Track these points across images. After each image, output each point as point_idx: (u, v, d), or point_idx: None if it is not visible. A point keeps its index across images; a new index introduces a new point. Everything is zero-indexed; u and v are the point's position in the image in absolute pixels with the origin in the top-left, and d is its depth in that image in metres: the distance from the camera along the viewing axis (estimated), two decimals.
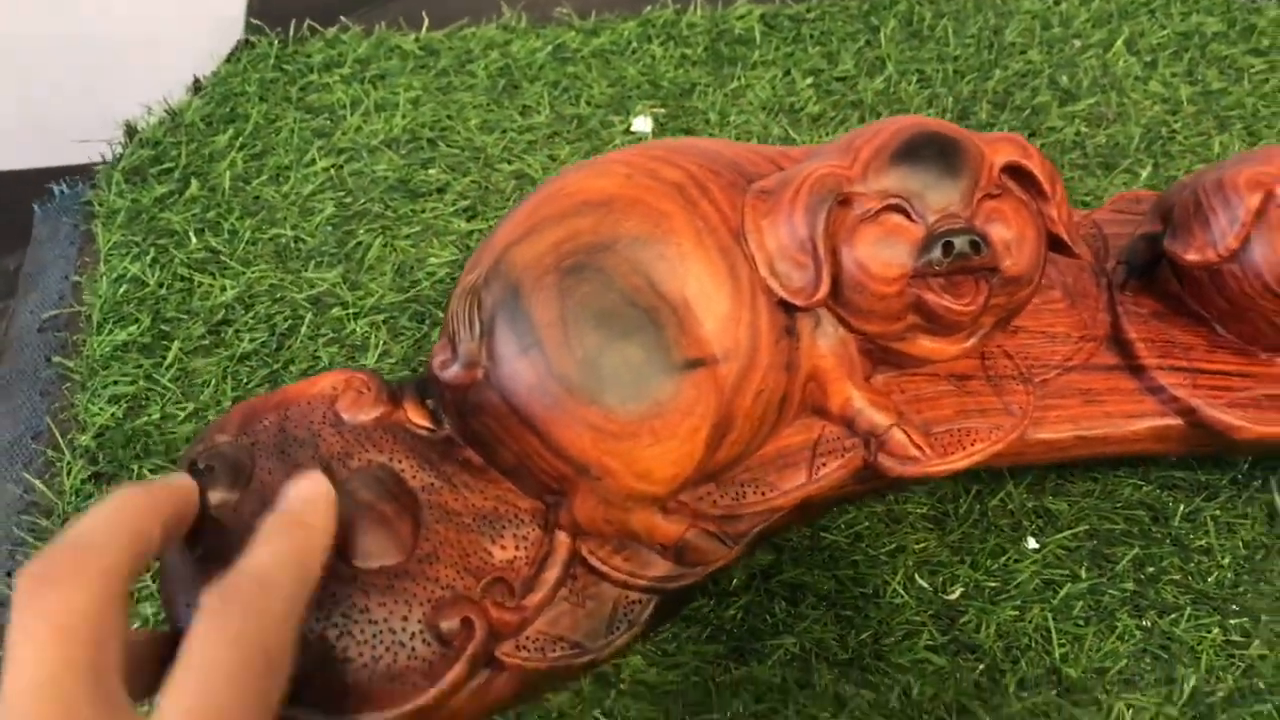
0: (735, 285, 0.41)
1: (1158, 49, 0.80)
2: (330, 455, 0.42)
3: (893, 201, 0.41)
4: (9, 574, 0.51)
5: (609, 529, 0.42)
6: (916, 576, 0.51)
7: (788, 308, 0.42)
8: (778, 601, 0.50)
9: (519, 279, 0.40)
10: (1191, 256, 0.45)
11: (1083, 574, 0.51)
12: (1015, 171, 0.43)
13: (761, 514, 0.44)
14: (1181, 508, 0.54)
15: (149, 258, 0.63)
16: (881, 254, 0.41)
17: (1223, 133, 0.74)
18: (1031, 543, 0.53)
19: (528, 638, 0.41)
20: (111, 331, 0.59)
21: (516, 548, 0.42)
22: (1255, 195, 0.44)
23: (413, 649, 0.39)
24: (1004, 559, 0.52)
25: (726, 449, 0.42)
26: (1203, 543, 0.53)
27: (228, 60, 0.77)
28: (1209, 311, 0.47)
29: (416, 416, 0.43)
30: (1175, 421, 0.46)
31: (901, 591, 0.51)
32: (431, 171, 0.69)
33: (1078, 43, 0.81)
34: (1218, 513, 0.54)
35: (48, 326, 0.61)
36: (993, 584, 0.51)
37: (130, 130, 0.72)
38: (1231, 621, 0.50)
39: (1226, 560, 0.52)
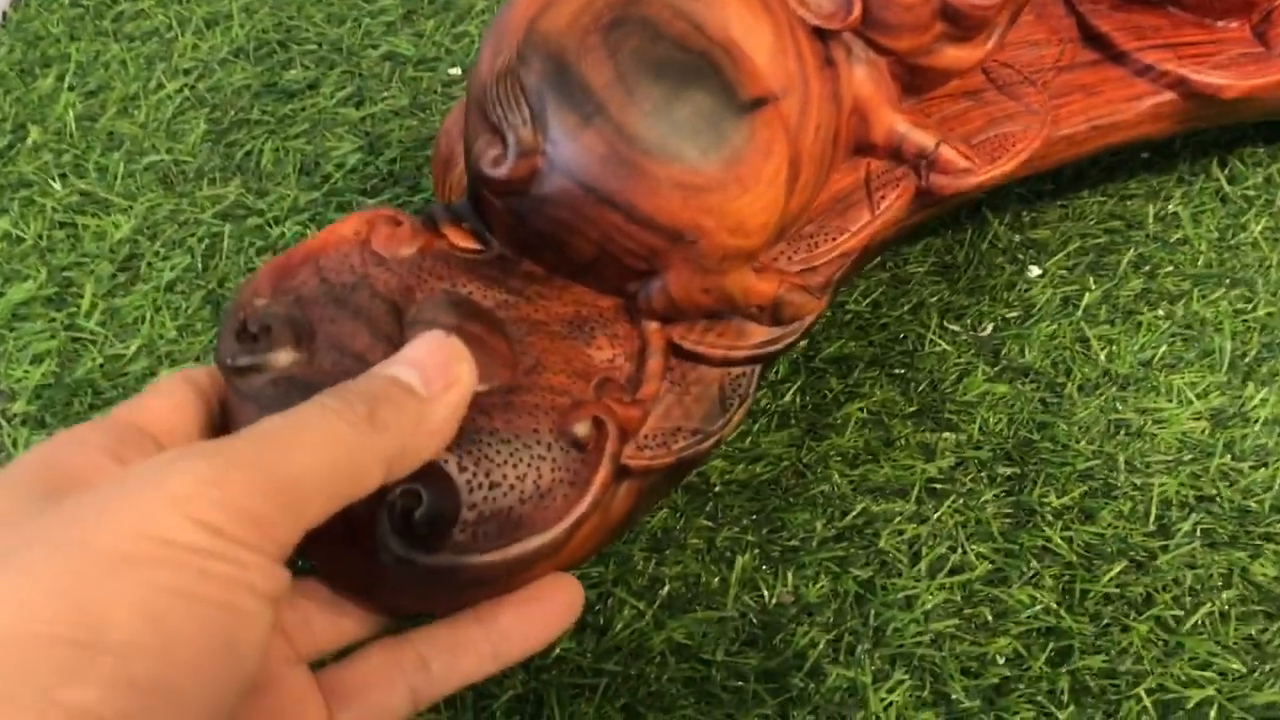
0: (773, 18, 0.39)
1: None
2: (390, 292, 0.37)
3: None
4: None
5: (706, 299, 0.39)
6: (945, 323, 0.51)
7: (822, 35, 0.40)
8: (829, 378, 0.49)
9: (560, 47, 0.37)
10: None
11: (1092, 284, 0.52)
12: None
13: (835, 260, 0.42)
14: (1151, 209, 0.56)
15: (15, 212, 0.55)
16: None
17: None
18: (1034, 270, 0.53)
19: (646, 436, 0.38)
20: (2, 293, 0.51)
21: (611, 346, 0.39)
22: None
23: (554, 460, 0.35)
24: (1016, 289, 0.52)
25: (798, 195, 0.40)
26: (1179, 235, 0.55)
27: (13, 6, 0.68)
28: None
29: (460, 239, 0.39)
30: (1169, 96, 0.47)
31: (939, 340, 0.50)
32: (294, 71, 0.63)
33: None
34: (1180, 209, 0.56)
35: None
36: (1016, 313, 0.52)
37: None
38: (1233, 292, 0.52)
39: (1203, 245, 0.54)
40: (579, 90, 0.36)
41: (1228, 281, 0.53)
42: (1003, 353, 0.50)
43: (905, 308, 0.52)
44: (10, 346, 0.49)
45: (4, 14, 0.67)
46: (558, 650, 0.41)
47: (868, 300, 0.52)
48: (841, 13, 0.40)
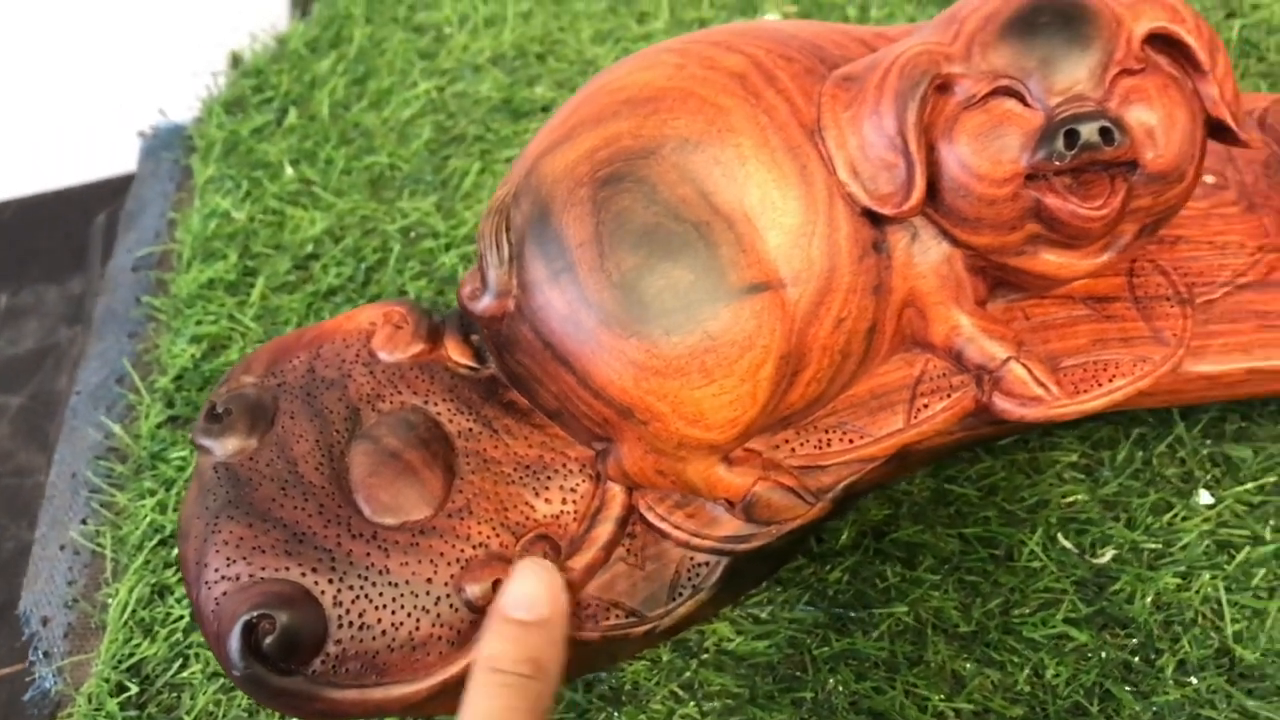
0: (807, 192, 0.34)
1: None
2: (359, 398, 0.38)
3: (1003, 83, 0.33)
4: (84, 521, 0.49)
5: (663, 481, 0.36)
6: (1060, 536, 0.44)
7: (875, 219, 0.35)
8: (890, 564, 0.44)
9: (549, 193, 0.34)
10: None
11: (1267, 535, 0.43)
12: (1164, 41, 0.34)
13: (850, 465, 0.37)
14: None
15: (242, 192, 0.60)
16: (989, 148, 0.33)
17: None
18: (1204, 497, 0.44)
19: (578, 603, 0.36)
20: (199, 269, 0.57)
21: (564, 501, 0.37)
22: None
23: (437, 615, 0.34)
24: (1169, 516, 0.44)
25: (801, 389, 0.35)
26: None
27: None
28: None
29: (458, 354, 0.39)
30: None
31: (1040, 553, 0.43)
32: (538, 90, 0.64)
33: None
34: None
35: (141, 265, 0.59)
36: (1153, 546, 0.43)
37: (235, 60, 0.69)
38: None
39: None
40: (554, 243, 0.34)
41: None
42: (1109, 591, 0.42)
43: (1024, 503, 0.45)
44: (181, 323, 0.55)
45: None
46: None
47: (984, 482, 0.45)
48: (898, 195, 0.34)
